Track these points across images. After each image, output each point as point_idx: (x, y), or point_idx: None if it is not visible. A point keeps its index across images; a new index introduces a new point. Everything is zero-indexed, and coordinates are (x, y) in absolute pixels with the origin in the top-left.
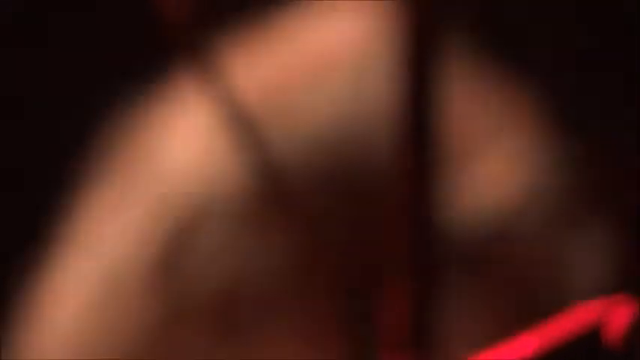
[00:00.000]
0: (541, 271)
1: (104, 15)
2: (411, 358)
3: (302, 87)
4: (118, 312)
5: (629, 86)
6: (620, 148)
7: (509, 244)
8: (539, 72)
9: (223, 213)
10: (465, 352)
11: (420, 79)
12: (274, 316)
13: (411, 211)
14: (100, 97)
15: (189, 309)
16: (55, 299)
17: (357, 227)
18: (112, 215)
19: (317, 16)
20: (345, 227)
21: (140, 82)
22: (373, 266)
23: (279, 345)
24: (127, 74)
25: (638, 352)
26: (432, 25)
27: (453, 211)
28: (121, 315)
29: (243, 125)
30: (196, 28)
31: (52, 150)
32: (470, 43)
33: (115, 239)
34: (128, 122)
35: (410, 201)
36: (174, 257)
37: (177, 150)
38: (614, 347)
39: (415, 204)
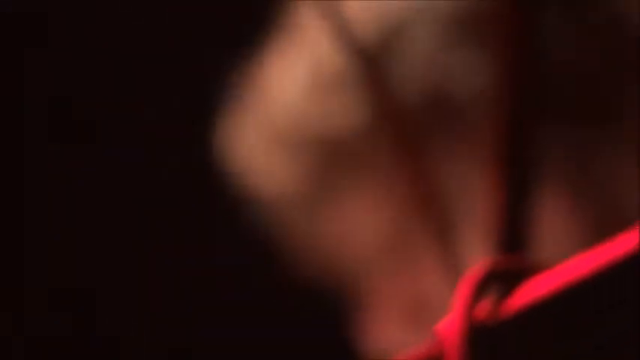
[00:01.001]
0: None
1: None
2: (506, 260)
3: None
4: (325, 105)
5: None
6: None
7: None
8: None
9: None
10: (557, 257)
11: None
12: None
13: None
14: None
15: (391, 113)
16: (270, 88)
17: None
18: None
19: None
20: None
21: None
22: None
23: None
24: None
25: None
26: None
27: None
28: (329, 107)
29: None
30: None
31: None
32: None
33: (324, 39)
34: None
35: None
36: (381, 58)
37: None
38: None
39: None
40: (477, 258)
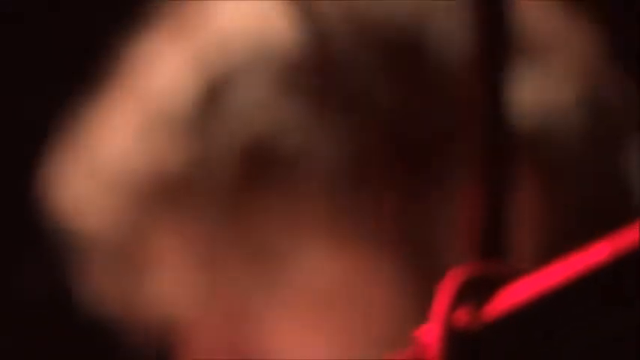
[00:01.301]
0: (600, 183)
1: None
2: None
3: None
4: (162, 145)
5: None
6: None
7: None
8: None
9: (264, 70)
10: (536, 262)
11: None
12: (303, 175)
13: (483, 105)
14: None
15: (225, 152)
16: (104, 132)
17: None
18: (159, 59)
19: None
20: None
21: None
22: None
23: (304, 202)
24: None
25: None
26: None
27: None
28: (164, 148)
29: None
30: None
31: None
32: None
33: (161, 79)
34: None
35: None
36: (214, 103)
37: (229, 11)
38: None
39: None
40: (446, 264)
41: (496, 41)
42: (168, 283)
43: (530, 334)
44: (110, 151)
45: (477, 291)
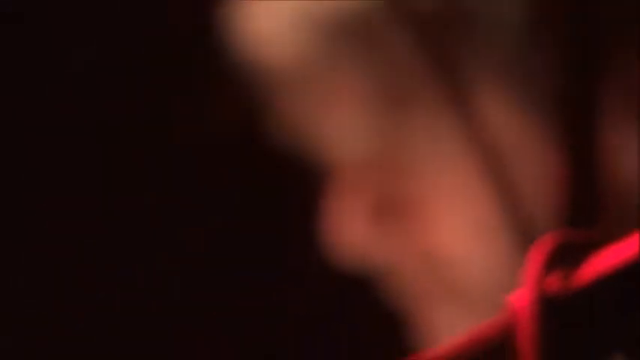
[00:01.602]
0: None
1: None
2: (574, 233)
3: None
4: None
5: None
6: None
7: None
8: None
9: None
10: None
11: None
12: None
13: None
14: None
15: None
16: None
17: None
18: None
19: None
20: None
21: None
22: None
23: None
24: None
25: None
26: None
27: None
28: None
29: None
30: None
31: None
32: None
33: None
34: None
35: None
36: None
37: None
38: None
39: None
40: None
41: None
42: (342, 123)
43: (620, 300)
44: None
45: (566, 258)
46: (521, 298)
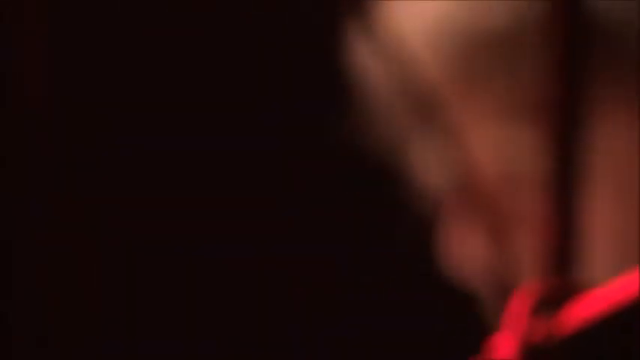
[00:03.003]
0: None
1: None
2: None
3: None
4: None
5: None
6: None
7: None
8: None
9: None
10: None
11: None
12: None
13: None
14: None
15: None
16: None
17: None
18: None
19: None
20: None
21: None
22: None
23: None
24: None
25: None
26: None
27: None
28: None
29: None
30: None
31: None
32: None
33: None
34: None
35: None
36: None
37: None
38: None
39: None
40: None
41: None
42: (472, 139)
43: (605, 348)
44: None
45: (549, 306)
46: (503, 344)
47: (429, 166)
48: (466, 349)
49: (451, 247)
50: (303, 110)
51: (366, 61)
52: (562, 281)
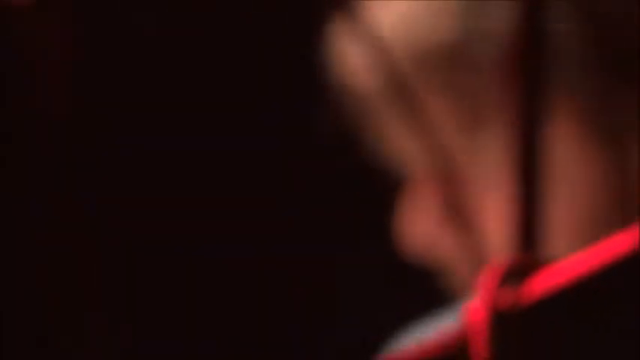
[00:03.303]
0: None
1: None
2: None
3: None
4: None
5: None
6: None
7: None
8: None
9: None
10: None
11: None
12: None
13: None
14: None
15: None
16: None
17: None
18: None
19: None
20: None
21: None
22: None
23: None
24: None
25: None
26: None
27: None
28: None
29: None
30: None
31: None
32: None
33: None
34: None
35: None
36: None
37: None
38: None
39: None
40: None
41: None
42: (424, 140)
43: (564, 316)
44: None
45: (515, 278)
46: (474, 312)
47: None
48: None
49: (407, 227)
50: (291, 109)
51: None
52: (526, 257)
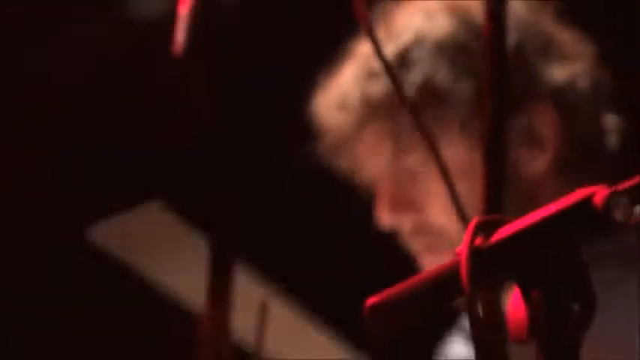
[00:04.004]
0: None
1: None
2: (490, 216)
3: None
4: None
5: None
6: None
7: None
8: None
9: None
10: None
11: None
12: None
13: None
14: None
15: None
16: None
17: None
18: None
19: None
20: None
21: None
22: None
23: None
24: None
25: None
26: None
27: None
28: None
29: None
30: None
31: None
32: None
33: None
34: None
35: None
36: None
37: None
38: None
39: None
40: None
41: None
42: (375, 163)
43: (517, 252)
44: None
45: (484, 230)
46: (461, 250)
47: None
48: None
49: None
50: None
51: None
52: (489, 218)
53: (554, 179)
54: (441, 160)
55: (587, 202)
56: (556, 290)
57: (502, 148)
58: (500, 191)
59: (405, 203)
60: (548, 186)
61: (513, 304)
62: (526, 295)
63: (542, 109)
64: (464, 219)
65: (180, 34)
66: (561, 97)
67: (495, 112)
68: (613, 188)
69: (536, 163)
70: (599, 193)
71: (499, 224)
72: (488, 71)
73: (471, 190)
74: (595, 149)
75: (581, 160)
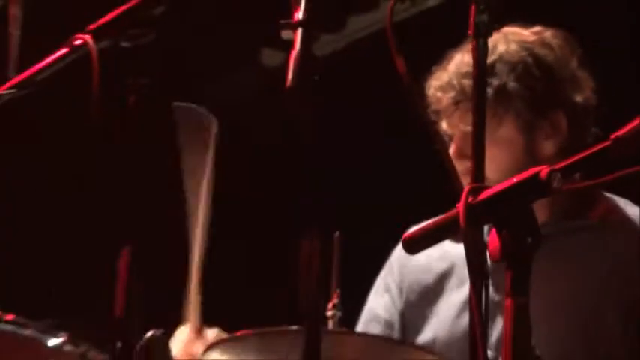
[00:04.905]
0: None
1: None
2: (478, 185)
3: None
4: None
5: None
6: None
7: None
8: None
9: None
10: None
11: None
12: None
13: None
14: None
15: None
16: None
17: None
18: None
19: None
20: None
21: None
22: None
23: None
24: None
25: None
26: None
27: None
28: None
29: None
30: None
31: None
32: None
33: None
34: None
35: None
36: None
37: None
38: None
39: None
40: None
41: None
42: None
43: (492, 205)
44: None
45: (474, 192)
46: (459, 205)
47: None
48: None
49: None
50: None
51: None
52: (477, 186)
53: (558, 158)
54: (442, 142)
55: (536, 175)
56: (516, 229)
57: (482, 142)
58: (482, 167)
59: (464, 155)
60: (553, 162)
61: (491, 237)
62: (499, 232)
63: (560, 114)
64: (460, 186)
65: (290, 73)
66: (573, 110)
67: (477, 122)
68: (552, 167)
69: (549, 147)
70: (544, 170)
71: (483, 189)
72: (475, 95)
73: (511, 155)
74: (582, 143)
75: (574, 148)
